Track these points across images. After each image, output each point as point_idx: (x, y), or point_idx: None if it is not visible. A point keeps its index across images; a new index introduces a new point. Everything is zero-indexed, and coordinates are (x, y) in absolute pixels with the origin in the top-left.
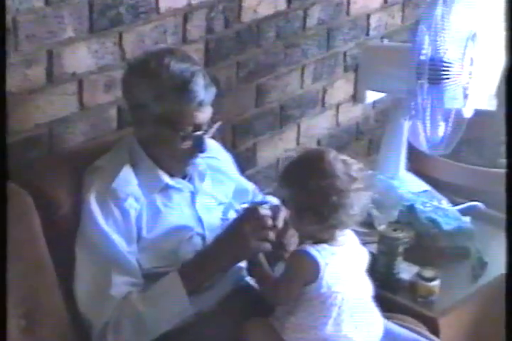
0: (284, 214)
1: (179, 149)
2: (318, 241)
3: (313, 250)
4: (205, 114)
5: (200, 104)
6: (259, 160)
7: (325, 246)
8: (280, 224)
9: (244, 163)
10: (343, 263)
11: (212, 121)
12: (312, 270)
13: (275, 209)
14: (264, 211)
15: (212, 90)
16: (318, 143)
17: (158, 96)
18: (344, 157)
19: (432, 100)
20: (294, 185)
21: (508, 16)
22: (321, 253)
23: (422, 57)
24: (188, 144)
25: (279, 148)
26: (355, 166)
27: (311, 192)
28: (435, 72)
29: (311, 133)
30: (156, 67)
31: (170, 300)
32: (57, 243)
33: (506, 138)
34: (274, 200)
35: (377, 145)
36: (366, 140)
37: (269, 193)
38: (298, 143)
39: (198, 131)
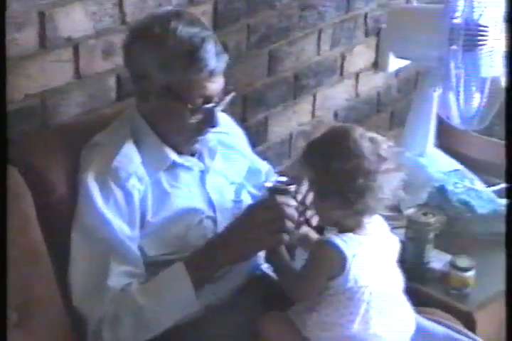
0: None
1: (188, 124)
2: (343, 229)
3: (339, 240)
4: (216, 85)
5: (211, 73)
6: (271, 135)
7: (351, 235)
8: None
9: (255, 138)
10: (372, 254)
11: (224, 92)
12: (338, 262)
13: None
14: (282, 198)
15: (224, 58)
16: (336, 115)
17: (164, 65)
18: (372, 134)
19: (466, 68)
20: (316, 166)
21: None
22: (347, 243)
23: (456, 21)
24: (197, 118)
25: (292, 121)
26: (385, 145)
27: (335, 175)
28: (470, 37)
29: (328, 104)
30: (161, 33)
31: (173, 293)
32: (53, 228)
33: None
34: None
35: (400, 119)
36: (388, 112)
37: (280, 172)
38: (313, 116)
39: (209, 103)
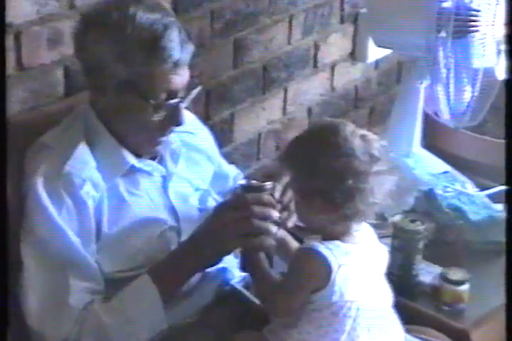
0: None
1: (149, 122)
2: (329, 236)
3: (324, 248)
4: (181, 78)
5: (176, 64)
6: (237, 134)
7: (337, 243)
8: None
9: (219, 138)
10: (360, 265)
11: (189, 86)
12: (322, 273)
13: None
14: (254, 196)
15: (190, 47)
16: (309, 112)
17: (122, 55)
18: (364, 131)
19: (456, 58)
20: (300, 164)
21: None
22: (333, 252)
23: (445, 4)
24: (160, 115)
25: (261, 119)
26: (377, 143)
27: (321, 174)
28: (461, 23)
29: (301, 100)
30: (119, 19)
31: (141, 310)
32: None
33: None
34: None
35: (380, 115)
36: (367, 108)
37: (249, 176)
38: (284, 113)
39: (173, 98)
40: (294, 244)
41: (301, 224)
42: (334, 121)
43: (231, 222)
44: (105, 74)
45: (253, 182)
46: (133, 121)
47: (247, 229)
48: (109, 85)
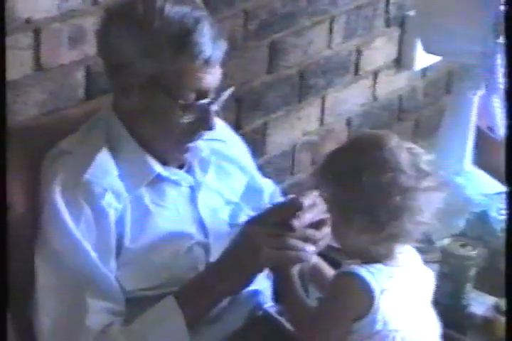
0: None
1: (177, 125)
2: (369, 259)
3: (365, 271)
4: (212, 77)
5: (207, 62)
6: (270, 146)
7: (380, 266)
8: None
9: (250, 149)
10: (404, 291)
11: (221, 87)
12: (364, 299)
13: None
14: (287, 210)
15: (223, 44)
16: (349, 123)
17: (149, 51)
18: (410, 144)
19: None
20: (341, 179)
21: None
22: (375, 275)
23: (503, 8)
24: (189, 118)
25: (296, 129)
26: (425, 157)
27: (365, 190)
28: None
29: (340, 110)
30: (145, 12)
31: (164, 335)
32: (10, 253)
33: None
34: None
35: (426, 129)
36: (412, 121)
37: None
38: (322, 124)
39: (204, 99)
40: (329, 270)
41: (336, 245)
42: (377, 133)
43: (264, 236)
44: (130, 72)
45: (293, 197)
46: (160, 123)
47: (282, 244)
48: (134, 84)
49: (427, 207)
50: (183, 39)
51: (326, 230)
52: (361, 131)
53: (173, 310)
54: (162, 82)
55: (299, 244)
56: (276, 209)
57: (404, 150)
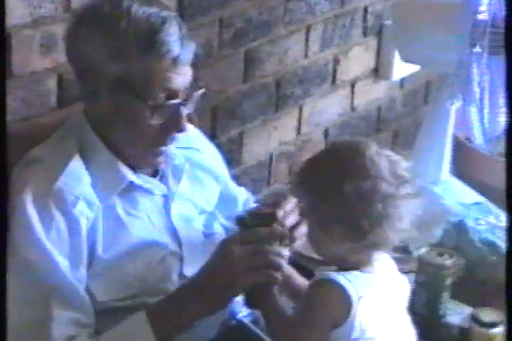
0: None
1: (148, 126)
2: (346, 266)
3: (343, 278)
4: (182, 77)
5: (175, 61)
6: (246, 156)
7: (357, 273)
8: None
9: (226, 159)
10: (380, 298)
11: (192, 89)
12: (342, 306)
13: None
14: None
15: (191, 45)
16: (326, 133)
17: (116, 51)
18: (388, 152)
19: (492, 75)
20: (319, 188)
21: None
22: (352, 283)
23: (480, 16)
24: (160, 119)
25: (273, 139)
26: (404, 164)
27: (346, 199)
28: (498, 37)
29: (317, 120)
30: (111, 13)
31: None
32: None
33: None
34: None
35: (405, 139)
36: (390, 131)
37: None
38: (299, 134)
39: (174, 100)
40: (300, 279)
41: (308, 254)
42: (355, 140)
43: (242, 256)
44: (98, 74)
45: (262, 208)
46: (130, 126)
47: (259, 262)
48: (103, 86)
49: (407, 214)
50: (150, 38)
51: (299, 234)
52: (338, 139)
53: (143, 326)
54: (130, 82)
55: (273, 259)
56: (249, 230)
57: (383, 157)
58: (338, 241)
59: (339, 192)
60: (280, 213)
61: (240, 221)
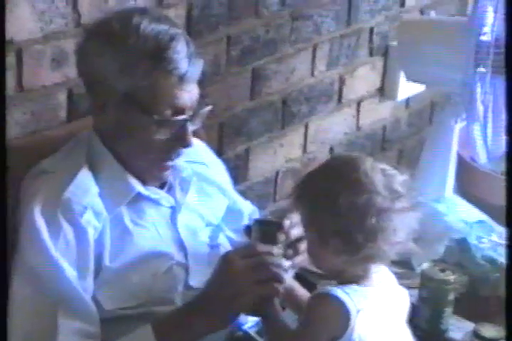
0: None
1: (154, 141)
2: (344, 280)
3: (341, 292)
4: (188, 94)
5: (182, 78)
6: (252, 172)
7: (355, 287)
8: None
9: (233, 175)
10: (379, 310)
11: (199, 106)
12: (341, 319)
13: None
14: (262, 248)
15: (199, 63)
16: (331, 151)
17: (124, 67)
18: (383, 166)
19: (495, 95)
20: (316, 202)
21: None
22: (350, 296)
23: (484, 37)
24: (165, 133)
25: (279, 156)
26: (399, 178)
27: (341, 212)
28: (501, 57)
29: (322, 138)
30: (121, 29)
31: None
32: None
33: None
34: None
35: (410, 159)
36: (395, 150)
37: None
38: (304, 151)
39: (180, 115)
40: (303, 292)
41: (311, 268)
42: (351, 155)
43: (246, 270)
44: (106, 89)
45: (268, 218)
46: (136, 140)
47: (261, 275)
48: (111, 100)
49: (402, 228)
50: (157, 55)
51: (303, 247)
52: (336, 154)
53: (149, 339)
54: (137, 98)
55: (274, 272)
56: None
57: (378, 172)
58: (335, 254)
59: (335, 205)
60: (287, 223)
61: (248, 230)
